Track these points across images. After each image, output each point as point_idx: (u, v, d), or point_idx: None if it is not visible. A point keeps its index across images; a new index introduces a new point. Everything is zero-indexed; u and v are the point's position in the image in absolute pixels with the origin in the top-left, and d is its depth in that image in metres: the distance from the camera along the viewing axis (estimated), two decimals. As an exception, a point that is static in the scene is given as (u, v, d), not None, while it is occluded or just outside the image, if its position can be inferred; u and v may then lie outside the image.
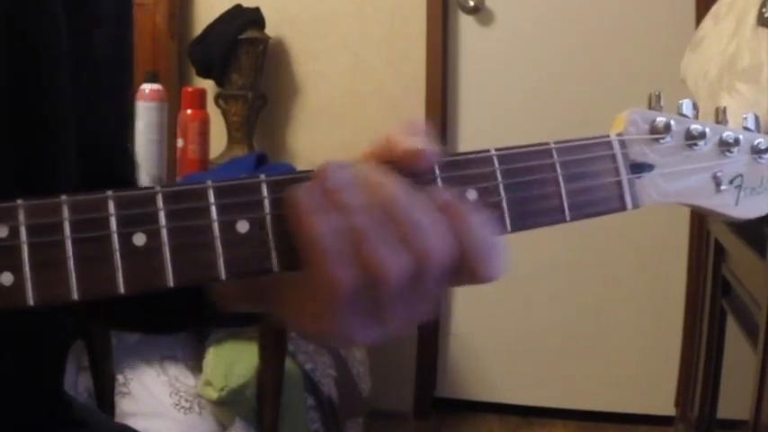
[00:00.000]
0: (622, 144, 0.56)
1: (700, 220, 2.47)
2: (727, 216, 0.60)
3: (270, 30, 2.64)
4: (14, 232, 0.44)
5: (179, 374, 1.92)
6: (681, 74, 1.84)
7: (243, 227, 0.48)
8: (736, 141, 0.59)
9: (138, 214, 0.46)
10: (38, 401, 0.69)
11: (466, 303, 2.75)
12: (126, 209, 0.46)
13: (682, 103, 0.59)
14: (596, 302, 2.68)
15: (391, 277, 0.47)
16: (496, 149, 0.52)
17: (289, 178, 0.48)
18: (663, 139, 0.57)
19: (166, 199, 0.47)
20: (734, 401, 2.09)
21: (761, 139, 0.60)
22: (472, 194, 0.51)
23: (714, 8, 1.77)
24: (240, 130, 2.59)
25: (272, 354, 1.79)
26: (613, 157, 0.55)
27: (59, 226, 0.45)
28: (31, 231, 0.45)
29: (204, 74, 2.63)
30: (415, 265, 0.47)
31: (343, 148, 2.58)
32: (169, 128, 2.00)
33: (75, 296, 0.45)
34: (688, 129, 0.58)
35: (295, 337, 1.97)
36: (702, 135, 0.58)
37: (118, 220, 0.46)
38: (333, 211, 0.46)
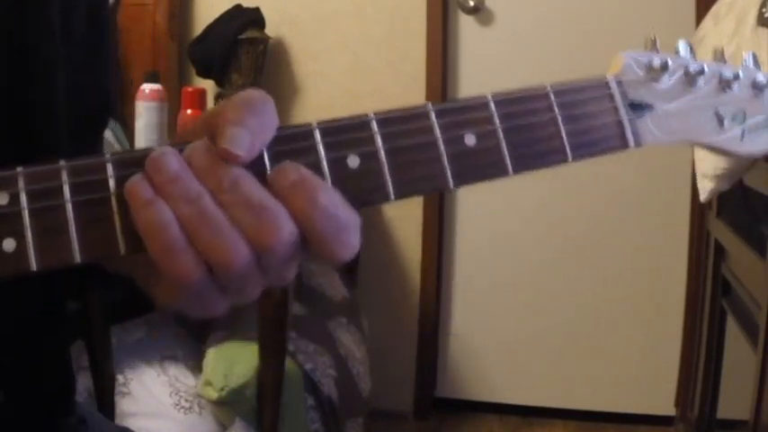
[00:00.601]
0: (620, 84, 0.55)
1: (700, 220, 2.47)
2: (734, 152, 0.60)
3: (270, 30, 2.64)
4: (15, 199, 0.45)
5: (179, 374, 1.92)
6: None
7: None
8: (736, 77, 0.59)
9: (134, 173, 0.46)
10: (42, 401, 0.69)
11: (466, 303, 2.75)
12: (125, 170, 0.47)
13: (678, 45, 0.59)
14: (596, 302, 2.68)
15: (231, 267, 0.45)
16: (493, 94, 0.52)
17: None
18: (661, 78, 0.57)
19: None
20: (734, 401, 2.09)
21: (761, 76, 0.60)
22: (471, 139, 0.51)
23: (714, 8, 1.77)
24: (240, 130, 2.58)
25: (272, 354, 1.79)
26: (611, 96, 0.55)
27: (59, 190, 0.45)
28: (32, 197, 0.45)
29: (204, 74, 2.63)
30: (256, 252, 0.46)
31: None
32: (169, 128, 1.99)
33: (78, 259, 0.45)
34: (686, 67, 0.58)
35: (295, 337, 1.97)
36: (701, 72, 0.58)
37: (117, 182, 0.46)
38: (165, 202, 0.45)
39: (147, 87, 1.92)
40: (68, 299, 0.70)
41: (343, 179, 0.48)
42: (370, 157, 0.49)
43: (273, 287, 0.50)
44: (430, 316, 2.73)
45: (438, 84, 2.63)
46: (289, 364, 1.85)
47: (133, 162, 0.47)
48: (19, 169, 0.45)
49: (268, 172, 0.47)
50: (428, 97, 2.62)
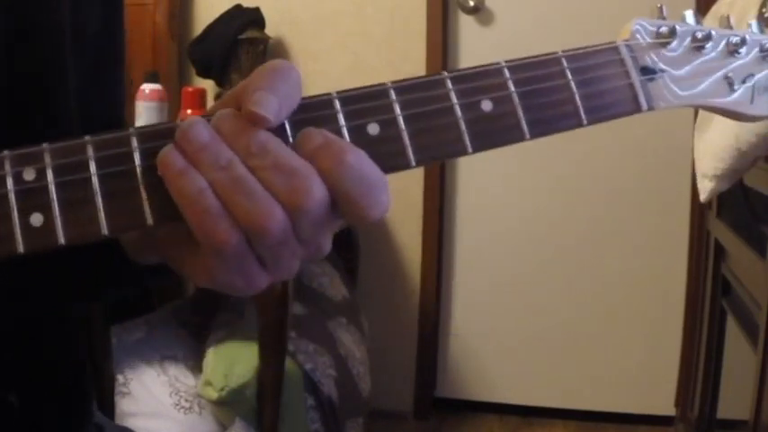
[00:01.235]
0: (630, 49, 0.57)
1: (700, 220, 2.47)
2: (745, 115, 0.61)
3: (270, 30, 2.64)
4: (41, 174, 0.45)
5: (179, 374, 1.92)
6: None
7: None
8: (743, 42, 0.60)
9: (160, 146, 0.47)
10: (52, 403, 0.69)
11: (466, 303, 2.75)
12: (148, 142, 0.47)
13: (685, 14, 0.61)
14: (596, 302, 2.68)
15: (267, 230, 0.46)
16: (506, 61, 0.53)
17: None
18: (669, 43, 0.58)
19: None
20: (734, 401, 2.09)
21: (767, 39, 0.62)
22: (487, 105, 0.52)
23: (714, 8, 1.77)
24: (240, 130, 2.59)
25: (272, 354, 1.79)
26: (622, 61, 0.56)
27: (85, 164, 0.46)
28: (58, 171, 0.46)
29: (204, 74, 2.63)
30: (290, 214, 0.46)
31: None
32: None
33: (106, 231, 0.46)
34: (694, 32, 0.59)
35: (295, 337, 1.97)
36: (708, 37, 0.59)
37: (142, 154, 0.47)
38: (197, 171, 0.46)
39: (147, 87, 1.92)
40: (83, 300, 0.70)
41: (364, 146, 0.49)
42: (389, 124, 0.50)
43: (311, 259, 0.50)
44: (430, 316, 2.73)
45: (438, 84, 2.63)
46: (289, 364, 1.85)
47: (157, 135, 0.48)
48: (45, 145, 0.46)
49: (290, 140, 0.48)
50: (428, 97, 2.63)
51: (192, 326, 2.10)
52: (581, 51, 0.55)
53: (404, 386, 2.75)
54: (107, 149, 0.47)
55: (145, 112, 1.90)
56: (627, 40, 0.57)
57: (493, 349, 2.75)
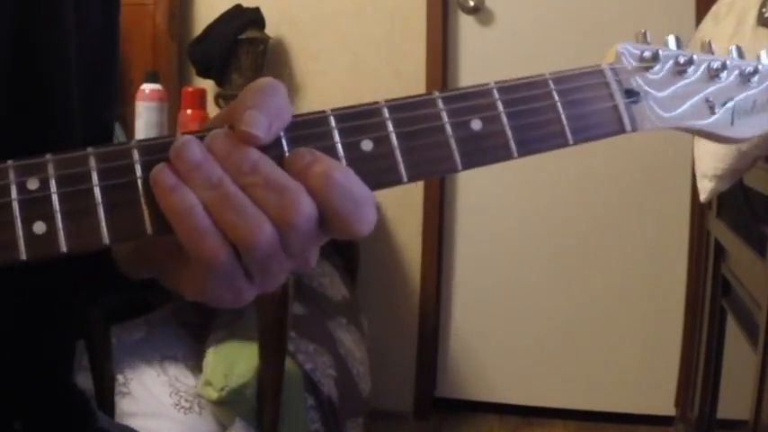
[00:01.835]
0: (614, 72, 0.59)
1: (700, 220, 2.47)
2: (725, 137, 0.63)
3: (270, 30, 2.64)
4: (45, 183, 0.47)
5: (179, 374, 1.92)
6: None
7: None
8: (724, 66, 0.62)
9: (161, 159, 0.49)
10: (47, 402, 0.69)
11: (466, 303, 2.75)
12: (149, 155, 0.49)
13: (667, 39, 0.62)
14: (596, 302, 2.68)
15: (257, 244, 0.47)
16: (496, 82, 0.55)
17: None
18: (653, 67, 0.60)
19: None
20: (734, 401, 2.09)
21: (747, 65, 0.64)
22: (477, 124, 0.53)
23: (714, 8, 1.77)
24: (240, 130, 2.59)
25: (272, 354, 1.79)
26: (607, 84, 0.58)
27: (87, 175, 0.48)
28: (61, 182, 0.47)
29: (204, 74, 2.63)
30: (279, 230, 0.48)
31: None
32: (169, 128, 1.99)
33: (107, 241, 0.47)
34: (676, 57, 0.61)
35: (295, 337, 1.97)
36: (690, 62, 0.61)
37: (143, 166, 0.48)
38: (189, 188, 0.47)
39: (147, 87, 1.92)
40: (82, 305, 0.70)
41: (357, 162, 0.51)
42: (382, 141, 0.52)
43: (300, 271, 0.51)
44: (430, 316, 2.73)
45: (438, 84, 2.63)
46: (289, 364, 1.85)
47: (158, 148, 0.49)
48: (48, 156, 0.47)
49: (287, 156, 0.50)
50: (428, 97, 2.63)
51: (192, 326, 2.10)
52: (567, 74, 0.57)
53: (404, 386, 2.75)
54: (109, 161, 0.48)
55: (145, 112, 1.90)
56: (611, 64, 0.59)
57: (493, 349, 2.75)
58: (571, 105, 0.56)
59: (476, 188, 2.69)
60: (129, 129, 2.08)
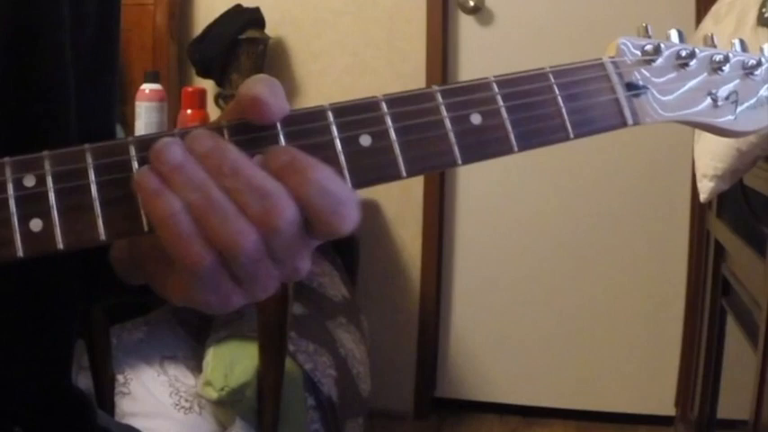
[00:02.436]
0: (615, 65, 0.58)
1: (700, 220, 2.47)
2: (728, 131, 0.62)
3: (270, 30, 2.64)
4: (41, 180, 0.46)
5: (179, 374, 1.92)
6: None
7: None
8: (726, 59, 0.62)
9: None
10: (47, 400, 0.69)
11: (466, 303, 2.75)
12: (146, 151, 0.48)
13: (669, 33, 0.62)
14: (596, 302, 2.68)
15: (241, 250, 0.47)
16: (495, 76, 0.54)
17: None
18: (654, 60, 0.59)
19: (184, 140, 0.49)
20: (734, 401, 2.09)
21: (749, 58, 0.63)
22: (476, 118, 0.53)
23: (714, 8, 1.77)
24: (240, 130, 2.59)
25: (272, 354, 1.79)
26: (608, 77, 0.58)
27: (84, 171, 0.47)
28: (57, 178, 0.47)
29: (204, 74, 2.63)
30: (263, 234, 0.47)
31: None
32: (169, 128, 1.99)
33: (104, 237, 0.47)
34: (677, 50, 0.61)
35: (295, 337, 1.97)
36: (692, 55, 0.61)
37: (140, 162, 0.48)
38: (172, 191, 0.47)
39: (147, 87, 1.92)
40: (80, 308, 0.70)
41: (356, 157, 0.50)
42: (381, 136, 0.51)
43: (288, 280, 0.51)
44: (430, 316, 2.73)
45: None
46: (289, 364, 1.85)
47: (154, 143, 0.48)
48: (45, 152, 0.47)
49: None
50: (428, 97, 2.63)
51: (192, 326, 2.10)
52: (568, 67, 0.57)
53: (404, 386, 2.75)
54: (106, 157, 0.48)
55: (145, 112, 1.90)
56: (612, 57, 0.59)
57: (493, 349, 2.75)
58: (571, 99, 0.56)
59: (476, 188, 2.69)
60: (129, 129, 2.08)
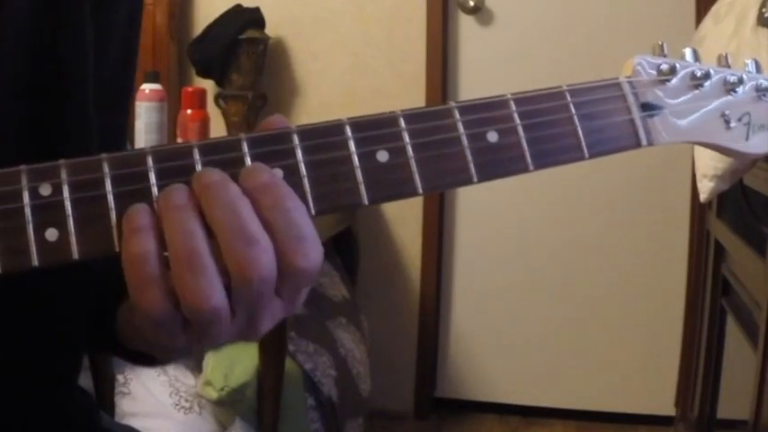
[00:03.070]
0: (631, 85, 0.58)
1: (700, 220, 2.47)
2: (740, 152, 0.63)
3: (270, 30, 2.64)
4: (57, 189, 0.46)
5: (179, 374, 1.92)
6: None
7: None
8: (740, 81, 0.62)
9: (175, 167, 0.48)
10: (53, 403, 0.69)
11: (466, 303, 2.75)
12: (163, 162, 0.48)
13: (684, 52, 0.62)
14: (596, 302, 2.68)
15: (202, 312, 0.46)
16: (512, 94, 0.54)
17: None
18: (669, 80, 0.60)
19: (203, 151, 0.49)
20: (734, 401, 2.09)
21: (764, 79, 0.63)
22: (493, 136, 0.53)
23: (714, 8, 1.77)
24: (240, 130, 2.59)
25: (272, 354, 1.79)
26: (624, 97, 0.57)
27: (101, 181, 0.47)
28: (74, 188, 0.46)
29: (204, 74, 2.63)
30: (232, 290, 0.46)
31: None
32: (169, 128, 1.99)
33: (118, 248, 0.47)
34: (692, 71, 0.61)
35: (295, 337, 1.97)
36: (707, 76, 0.61)
37: (157, 173, 0.48)
38: (152, 232, 0.46)
39: (147, 87, 1.92)
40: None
41: (373, 172, 0.50)
42: (398, 152, 0.51)
43: (245, 339, 0.50)
44: (430, 316, 2.73)
45: (438, 84, 2.63)
46: (289, 364, 1.85)
47: (171, 155, 0.48)
48: (61, 161, 0.47)
49: (301, 164, 0.49)
50: (428, 97, 2.63)
51: (192, 326, 2.09)
52: (585, 86, 0.56)
53: (404, 386, 2.75)
54: (122, 168, 0.47)
55: (145, 112, 1.90)
56: (629, 77, 0.58)
57: (493, 349, 2.75)
58: (587, 118, 0.56)
59: (476, 188, 2.69)
60: (129, 129, 2.08)
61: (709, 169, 1.65)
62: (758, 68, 0.64)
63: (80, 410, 0.71)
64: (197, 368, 1.93)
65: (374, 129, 0.51)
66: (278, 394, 1.80)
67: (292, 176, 0.49)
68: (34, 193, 0.46)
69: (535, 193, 2.66)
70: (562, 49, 2.59)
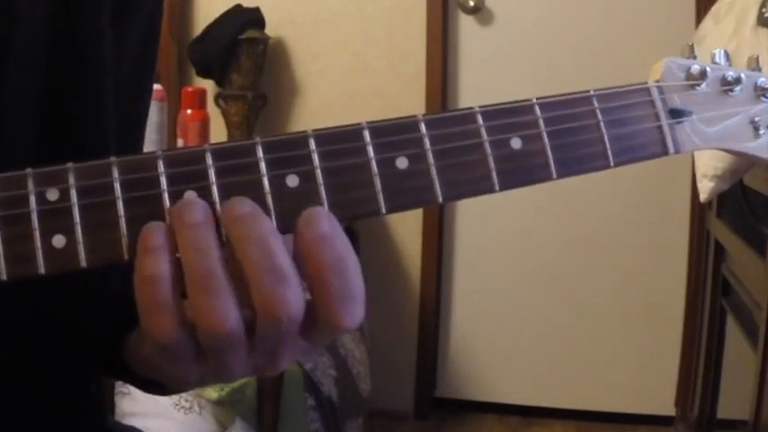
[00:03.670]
0: (660, 90, 0.56)
1: (700, 220, 2.47)
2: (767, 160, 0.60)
3: (270, 30, 2.64)
4: (65, 194, 0.44)
5: (179, 374, 1.92)
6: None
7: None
8: None
9: (186, 172, 0.46)
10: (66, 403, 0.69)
11: (466, 304, 2.75)
12: (175, 167, 0.46)
13: (715, 53, 0.59)
14: (596, 302, 2.68)
15: (216, 335, 0.44)
16: (537, 98, 0.52)
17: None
18: (699, 85, 0.57)
19: (215, 156, 0.47)
20: (734, 401, 2.09)
21: None
22: (517, 143, 0.51)
23: (714, 8, 1.77)
24: (240, 130, 2.59)
25: (272, 354, 1.79)
26: (652, 103, 0.55)
27: (110, 186, 0.45)
28: (82, 193, 0.45)
29: (204, 74, 2.63)
30: (260, 319, 0.44)
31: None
32: (169, 128, 2.00)
33: (127, 256, 0.45)
34: (723, 75, 0.58)
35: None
36: (738, 80, 0.58)
37: (168, 179, 0.46)
38: (167, 252, 0.44)
39: (147, 87, 1.91)
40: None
41: (392, 180, 0.48)
42: (418, 159, 0.49)
43: (263, 374, 0.49)
44: (430, 316, 2.73)
45: (438, 84, 2.63)
46: (289, 364, 1.84)
47: (183, 159, 0.46)
48: (69, 164, 0.45)
49: (318, 171, 0.47)
50: (428, 97, 2.63)
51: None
52: (612, 91, 0.54)
53: (404, 386, 2.75)
54: (132, 172, 0.46)
55: (145, 112, 1.89)
56: (658, 81, 0.56)
57: (493, 349, 2.75)
58: (614, 125, 0.53)
59: (476, 188, 2.69)
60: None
61: (709, 169, 1.65)
62: None
63: (85, 411, 0.71)
64: (197, 368, 1.93)
65: (394, 134, 0.49)
66: (278, 394, 1.80)
67: (308, 183, 0.47)
68: (41, 198, 0.44)
69: (535, 193, 2.65)
70: (562, 49, 2.59)
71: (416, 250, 2.72)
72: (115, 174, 0.45)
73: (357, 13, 2.68)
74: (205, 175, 0.46)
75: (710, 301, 2.16)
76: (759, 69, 0.61)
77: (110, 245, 0.45)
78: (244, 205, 0.45)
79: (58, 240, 0.44)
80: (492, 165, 0.50)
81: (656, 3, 2.55)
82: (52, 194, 0.44)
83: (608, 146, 0.53)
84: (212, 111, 2.31)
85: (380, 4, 2.66)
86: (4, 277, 0.43)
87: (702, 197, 1.74)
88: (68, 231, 0.44)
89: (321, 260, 0.45)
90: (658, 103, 0.55)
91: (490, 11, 2.65)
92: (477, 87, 2.64)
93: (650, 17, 2.53)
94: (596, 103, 0.53)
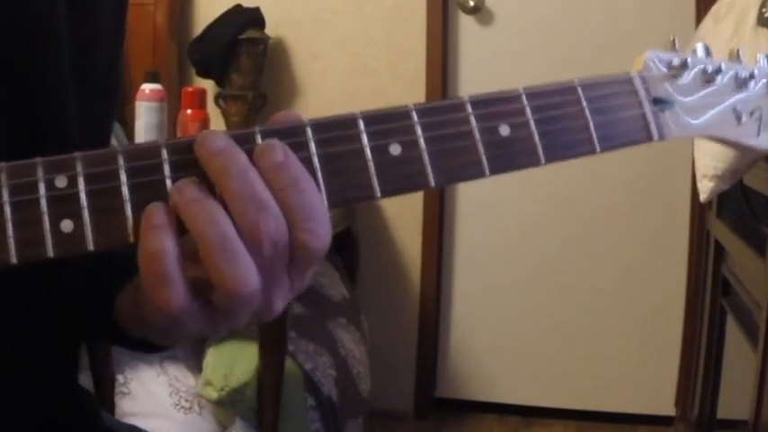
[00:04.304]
0: (643, 80, 0.58)
1: (700, 220, 2.47)
2: (752, 147, 0.63)
3: (270, 30, 2.64)
4: (73, 181, 0.47)
5: (179, 374, 1.92)
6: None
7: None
8: (752, 76, 0.62)
9: (189, 159, 0.49)
10: (52, 401, 0.69)
11: (466, 304, 2.75)
12: (177, 154, 0.49)
13: (696, 47, 0.62)
14: (596, 302, 2.68)
15: (236, 296, 0.47)
16: (524, 87, 0.55)
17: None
18: (681, 75, 0.60)
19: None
20: (734, 401, 2.09)
21: None
22: (505, 130, 0.53)
23: (714, 8, 1.77)
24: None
25: (272, 354, 1.79)
26: (635, 92, 0.58)
27: (116, 173, 0.48)
28: (89, 179, 0.47)
29: (204, 74, 2.63)
30: (261, 258, 0.47)
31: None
32: (169, 128, 1.99)
33: (133, 239, 0.47)
34: (704, 66, 0.61)
35: (295, 337, 1.97)
36: (718, 71, 0.61)
37: (171, 166, 0.48)
38: (170, 229, 0.47)
39: (147, 87, 1.92)
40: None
41: (385, 165, 0.51)
42: (410, 146, 0.52)
43: (261, 319, 0.51)
44: (430, 316, 2.73)
45: (438, 84, 2.63)
46: (289, 364, 1.85)
47: (185, 147, 0.49)
48: (76, 153, 0.47)
49: (315, 157, 0.50)
50: (428, 97, 2.63)
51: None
52: (596, 81, 0.57)
53: (404, 386, 2.75)
54: (137, 160, 0.48)
55: (145, 112, 1.90)
56: (640, 72, 0.59)
57: (493, 349, 2.75)
58: (599, 112, 0.56)
59: (476, 187, 2.69)
60: (129, 129, 2.08)
61: (709, 169, 1.65)
62: None
63: (81, 409, 0.72)
64: (197, 368, 1.93)
65: (387, 122, 0.51)
66: (278, 394, 1.80)
67: (306, 169, 0.50)
68: (50, 185, 0.46)
69: (535, 192, 2.66)
70: (562, 49, 2.59)
71: (416, 250, 2.72)
72: (120, 161, 0.48)
73: (357, 13, 2.68)
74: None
75: (710, 301, 2.16)
76: (739, 61, 0.63)
77: (116, 229, 0.47)
78: (218, 139, 0.48)
79: (67, 225, 0.46)
80: (482, 150, 0.53)
81: (656, 3, 2.55)
82: (61, 181, 0.47)
83: (593, 132, 0.56)
84: (212, 111, 2.31)
85: (380, 4, 2.66)
86: (15, 261, 0.45)
87: (702, 197, 1.74)
88: (76, 216, 0.47)
89: (280, 183, 0.48)
90: (642, 93, 0.58)
91: (490, 11, 2.65)
92: (478, 87, 2.62)
93: (650, 17, 2.53)
94: (581, 92, 0.56)
